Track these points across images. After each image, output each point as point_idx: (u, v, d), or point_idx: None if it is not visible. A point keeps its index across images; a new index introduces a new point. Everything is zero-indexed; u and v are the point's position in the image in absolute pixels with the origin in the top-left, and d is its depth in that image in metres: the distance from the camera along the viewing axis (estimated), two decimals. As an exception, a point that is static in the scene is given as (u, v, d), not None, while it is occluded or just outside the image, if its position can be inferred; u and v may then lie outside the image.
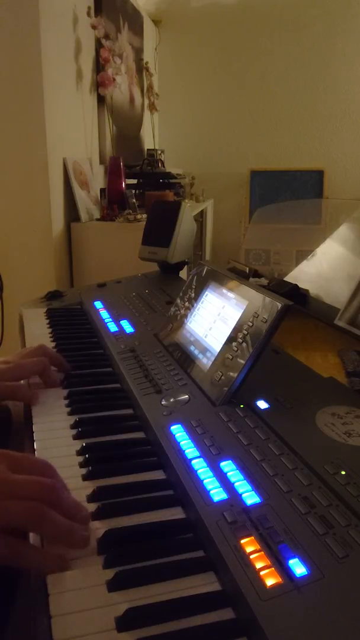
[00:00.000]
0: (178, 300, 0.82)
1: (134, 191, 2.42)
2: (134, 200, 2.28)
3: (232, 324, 0.65)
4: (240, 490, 0.45)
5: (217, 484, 0.46)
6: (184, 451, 0.52)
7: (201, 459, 0.50)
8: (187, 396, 0.63)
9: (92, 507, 0.46)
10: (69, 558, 0.41)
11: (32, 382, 0.71)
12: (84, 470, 0.52)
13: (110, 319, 0.93)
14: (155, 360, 0.74)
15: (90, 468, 0.52)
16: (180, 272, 1.24)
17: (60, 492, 0.44)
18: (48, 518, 0.41)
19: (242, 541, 0.40)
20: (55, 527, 0.41)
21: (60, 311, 1.05)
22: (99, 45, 2.35)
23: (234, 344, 0.62)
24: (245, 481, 0.46)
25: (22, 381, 0.71)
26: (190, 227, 1.23)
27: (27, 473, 0.44)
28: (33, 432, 0.60)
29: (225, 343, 0.64)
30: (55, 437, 0.59)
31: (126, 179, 2.37)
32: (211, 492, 0.45)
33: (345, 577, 0.36)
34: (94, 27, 2.25)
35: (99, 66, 2.39)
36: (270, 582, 0.36)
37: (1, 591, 0.46)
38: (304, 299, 0.82)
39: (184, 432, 0.55)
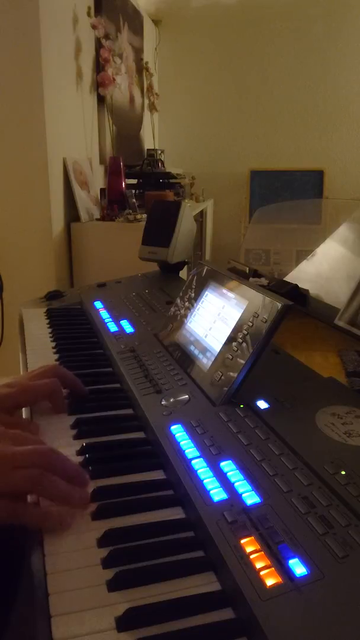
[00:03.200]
0: (178, 300, 0.82)
1: (134, 191, 2.42)
2: (134, 200, 2.28)
3: (232, 324, 0.65)
4: (240, 490, 0.45)
5: (217, 484, 0.46)
6: (184, 451, 0.52)
7: (201, 459, 0.50)
8: (187, 396, 0.63)
9: (92, 507, 0.46)
10: (70, 516, 0.44)
11: (36, 410, 0.65)
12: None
13: (110, 319, 0.93)
14: (155, 360, 0.74)
15: (90, 468, 0.52)
16: (180, 272, 1.24)
17: (58, 456, 0.47)
18: (48, 481, 0.45)
19: (242, 541, 0.39)
20: (55, 488, 0.45)
21: (60, 311, 1.05)
22: (99, 45, 2.35)
23: (234, 344, 0.62)
24: (245, 481, 0.46)
25: (24, 410, 0.65)
26: (190, 227, 1.23)
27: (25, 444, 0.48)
28: (33, 432, 0.60)
29: (225, 343, 0.64)
30: (55, 437, 0.59)
31: (126, 179, 2.37)
32: (211, 492, 0.45)
33: (345, 577, 0.36)
34: (94, 27, 2.25)
35: (99, 66, 2.39)
36: (270, 582, 0.36)
37: (2, 590, 0.46)
38: (304, 299, 0.82)
39: (184, 432, 0.55)
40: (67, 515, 0.44)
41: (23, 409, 0.65)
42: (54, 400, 0.64)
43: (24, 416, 0.65)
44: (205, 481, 0.47)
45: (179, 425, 0.56)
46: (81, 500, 0.46)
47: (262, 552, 0.38)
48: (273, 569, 0.37)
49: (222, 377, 0.61)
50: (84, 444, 0.56)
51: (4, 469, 0.44)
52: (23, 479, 0.44)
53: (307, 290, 0.83)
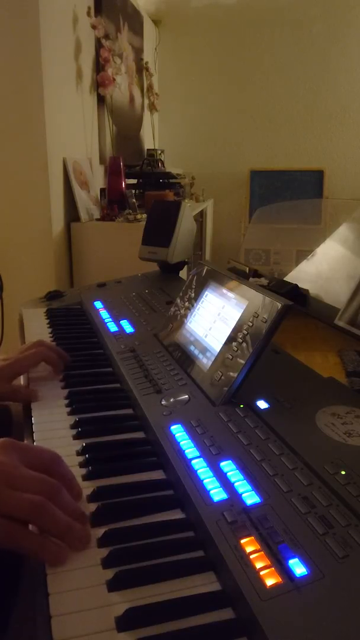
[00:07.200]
0: (178, 300, 0.82)
1: (134, 191, 2.42)
2: (134, 200, 2.28)
3: (232, 324, 0.65)
4: (240, 490, 0.45)
5: (217, 484, 0.46)
6: (184, 451, 0.52)
7: (201, 459, 0.50)
8: (187, 396, 0.63)
9: (92, 507, 0.46)
10: (67, 552, 0.41)
11: (32, 377, 0.73)
12: (84, 470, 0.52)
13: (110, 319, 0.93)
14: (155, 360, 0.74)
15: (90, 468, 0.52)
16: (180, 272, 1.24)
17: (63, 493, 0.45)
18: (49, 513, 0.42)
19: (242, 541, 0.40)
20: (55, 522, 0.42)
21: (60, 311, 1.05)
22: (99, 45, 2.35)
23: (234, 344, 0.62)
24: (245, 481, 0.46)
25: (21, 377, 0.73)
26: (190, 227, 1.23)
27: (36, 464, 0.46)
28: (33, 432, 0.60)
29: (225, 343, 0.64)
30: (55, 437, 0.59)
31: (126, 179, 2.37)
32: (211, 492, 0.45)
33: (345, 577, 0.36)
34: (94, 27, 2.25)
35: (99, 66, 2.39)
36: (270, 582, 0.36)
37: (2, 591, 0.46)
38: (304, 299, 0.82)
39: (184, 432, 0.55)
40: (63, 551, 0.41)
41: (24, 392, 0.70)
42: (49, 361, 0.73)
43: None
44: (205, 481, 0.47)
45: (179, 425, 0.56)
46: (79, 540, 0.42)
47: (262, 552, 0.38)
48: (273, 569, 0.37)
49: (222, 377, 0.61)
50: (84, 444, 0.56)
51: (6, 486, 0.42)
52: (25, 504, 0.42)
53: (307, 290, 0.83)
